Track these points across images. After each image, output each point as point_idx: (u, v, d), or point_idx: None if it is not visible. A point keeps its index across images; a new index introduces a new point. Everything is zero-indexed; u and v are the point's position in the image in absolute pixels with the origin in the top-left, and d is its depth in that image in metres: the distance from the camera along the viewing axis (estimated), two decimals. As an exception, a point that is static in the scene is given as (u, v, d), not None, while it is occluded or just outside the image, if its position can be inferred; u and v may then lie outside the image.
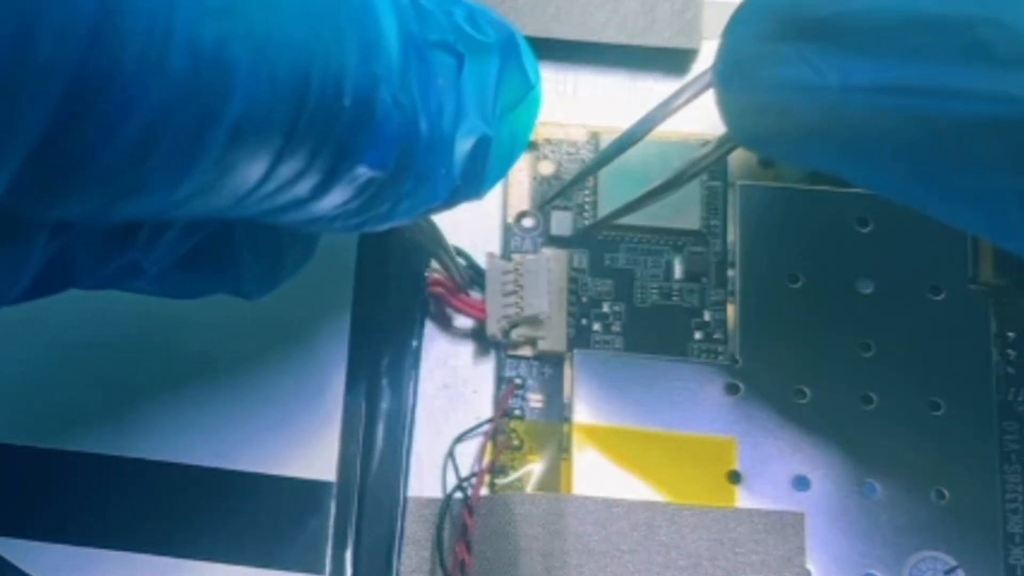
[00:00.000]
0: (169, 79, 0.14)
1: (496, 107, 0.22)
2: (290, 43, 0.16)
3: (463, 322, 0.30)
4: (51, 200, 0.14)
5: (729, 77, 0.24)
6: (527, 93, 0.23)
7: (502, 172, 0.24)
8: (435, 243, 0.28)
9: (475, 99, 0.21)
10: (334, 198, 0.19)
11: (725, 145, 0.26)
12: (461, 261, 0.29)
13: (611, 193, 0.30)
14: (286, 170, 0.17)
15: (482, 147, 0.21)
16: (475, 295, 0.29)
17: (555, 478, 0.28)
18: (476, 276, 0.29)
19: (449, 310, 0.30)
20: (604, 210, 0.30)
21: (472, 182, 0.22)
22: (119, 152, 0.14)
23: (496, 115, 0.22)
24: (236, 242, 0.21)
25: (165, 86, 0.14)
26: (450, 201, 0.22)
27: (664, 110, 0.26)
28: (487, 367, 0.30)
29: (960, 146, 0.19)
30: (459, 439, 0.29)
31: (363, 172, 0.19)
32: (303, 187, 0.18)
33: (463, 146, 0.21)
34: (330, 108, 0.17)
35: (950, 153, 0.19)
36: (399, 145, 0.19)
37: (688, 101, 0.25)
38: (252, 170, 0.16)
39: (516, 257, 0.30)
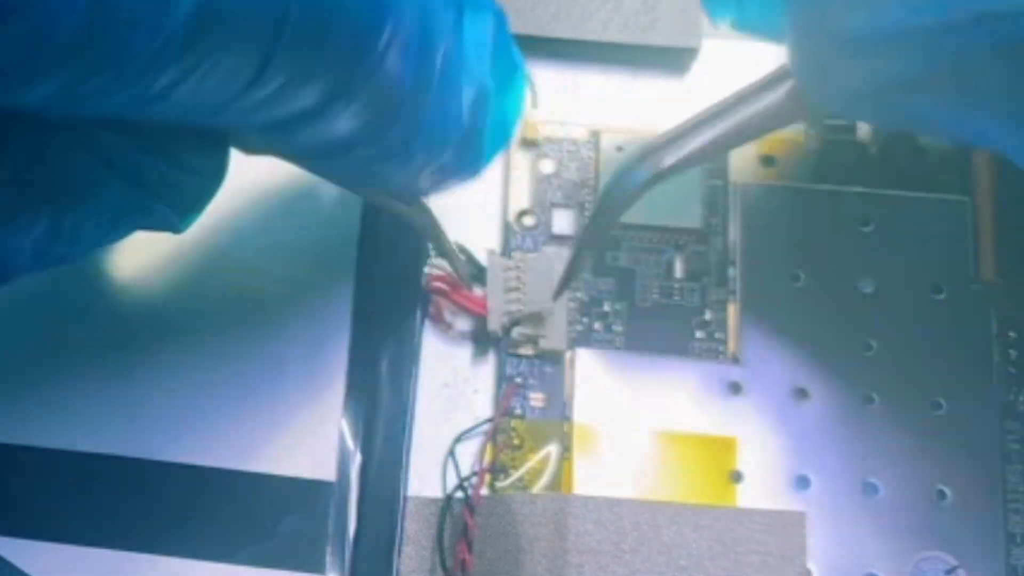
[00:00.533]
0: None
1: (491, 69, 0.22)
2: None
3: (463, 321, 0.30)
4: (12, 80, 0.14)
5: (810, 30, 0.23)
6: (513, 74, 0.23)
7: (494, 152, 0.24)
8: (437, 237, 0.28)
9: (474, 52, 0.21)
10: (349, 119, 0.19)
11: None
12: (461, 256, 0.29)
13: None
14: (287, 67, 0.17)
15: (483, 100, 0.22)
16: (476, 291, 0.29)
17: (556, 477, 0.28)
18: (477, 272, 0.29)
19: (449, 309, 0.30)
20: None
21: (472, 145, 0.22)
22: (71, 26, 0.14)
23: (491, 77, 0.22)
24: (152, 196, 0.21)
25: None
26: (452, 168, 0.22)
27: (740, 111, 0.25)
28: (487, 366, 0.30)
29: None
30: (459, 438, 0.29)
31: (384, 79, 0.19)
32: (311, 94, 0.18)
33: (468, 95, 0.21)
34: None
35: None
36: (416, 62, 0.19)
37: (768, 101, 0.25)
38: (242, 57, 0.16)
39: (516, 255, 0.29)
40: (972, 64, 0.20)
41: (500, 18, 0.23)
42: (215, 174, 0.22)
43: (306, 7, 0.16)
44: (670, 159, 0.26)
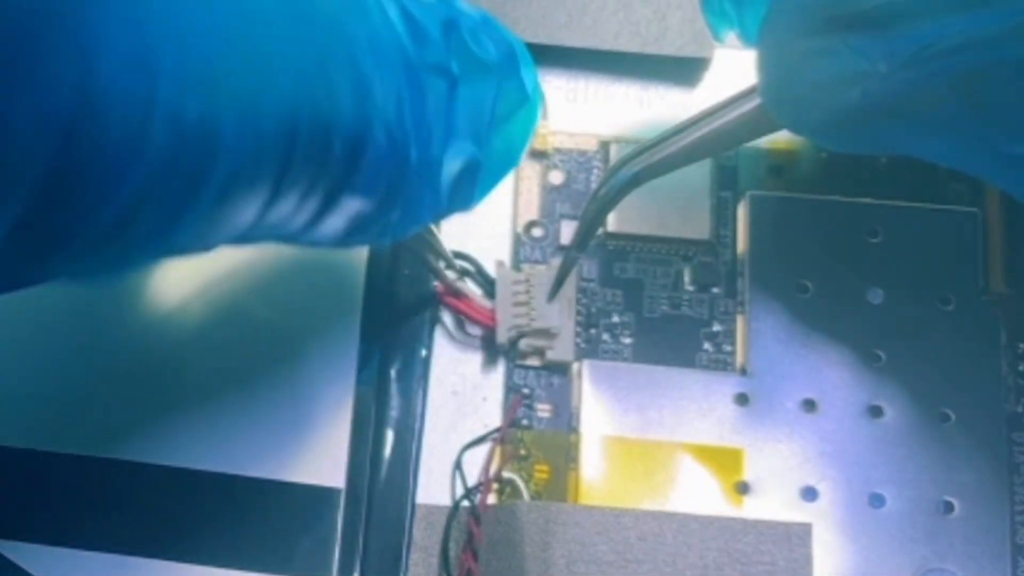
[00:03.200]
0: (152, 156, 0.13)
1: (490, 125, 0.22)
2: (277, 100, 0.15)
3: (473, 330, 0.30)
4: (41, 264, 0.14)
5: (776, 77, 0.24)
6: (523, 104, 0.23)
7: (492, 185, 0.24)
8: (426, 247, 0.28)
9: (467, 120, 0.21)
10: (325, 229, 0.19)
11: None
12: (468, 266, 0.29)
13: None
14: (277, 212, 0.17)
15: (471, 169, 0.21)
16: (485, 302, 0.29)
17: (562, 488, 0.28)
18: (486, 284, 0.29)
19: (459, 318, 0.30)
20: (611, 220, 0.30)
21: (460, 201, 0.22)
22: (105, 224, 0.14)
23: (489, 133, 0.22)
24: None
25: (148, 162, 0.13)
26: (436, 219, 0.22)
27: (710, 123, 0.26)
28: (496, 375, 0.30)
29: (998, 107, 0.20)
30: (467, 447, 0.29)
31: (354, 204, 0.19)
32: (296, 222, 0.18)
33: (451, 168, 0.21)
34: (320, 151, 0.17)
35: (991, 115, 0.20)
36: (390, 176, 0.19)
37: (737, 115, 0.26)
38: (243, 217, 0.16)
39: (526, 268, 0.30)
40: (926, 96, 0.21)
41: (510, 62, 0.22)
42: None
43: (304, 157, 0.16)
44: (646, 164, 0.27)
